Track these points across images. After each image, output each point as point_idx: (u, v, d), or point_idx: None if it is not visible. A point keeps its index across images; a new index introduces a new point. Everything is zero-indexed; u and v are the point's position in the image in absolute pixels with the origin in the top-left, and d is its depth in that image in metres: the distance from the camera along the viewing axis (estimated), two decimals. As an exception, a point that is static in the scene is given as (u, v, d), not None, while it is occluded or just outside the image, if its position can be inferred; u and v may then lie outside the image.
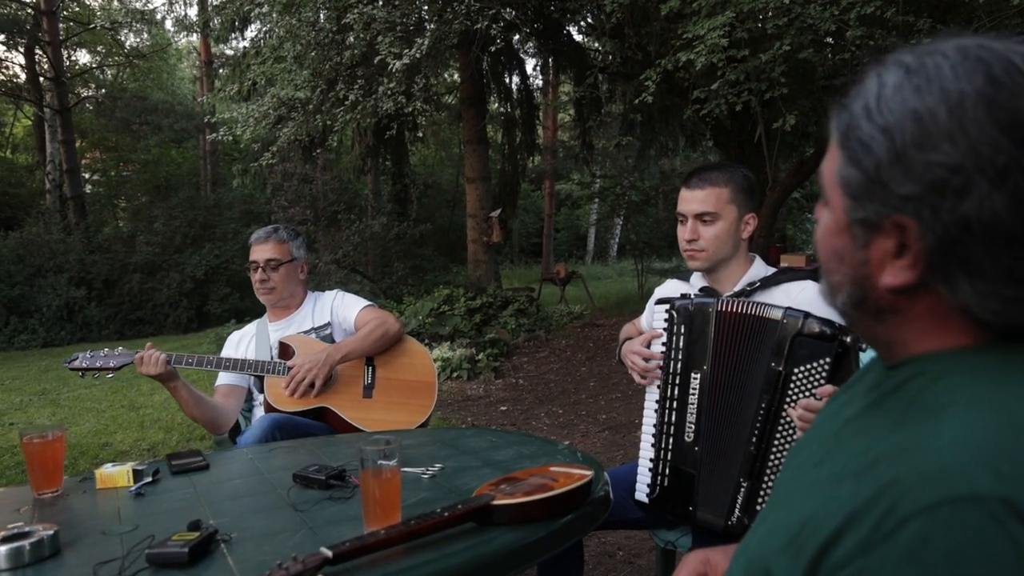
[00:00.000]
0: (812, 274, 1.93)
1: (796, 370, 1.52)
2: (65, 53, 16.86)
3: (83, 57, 20.56)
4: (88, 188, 17.65)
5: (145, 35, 20.15)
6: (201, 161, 18.47)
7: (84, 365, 2.29)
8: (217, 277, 13.87)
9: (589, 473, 1.37)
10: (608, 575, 2.68)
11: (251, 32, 11.05)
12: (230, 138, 7.73)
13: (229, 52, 16.21)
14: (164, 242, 14.02)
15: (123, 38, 19.90)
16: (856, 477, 0.62)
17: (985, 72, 0.61)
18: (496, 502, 1.24)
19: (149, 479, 1.63)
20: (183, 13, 15.63)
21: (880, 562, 0.56)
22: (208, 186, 17.08)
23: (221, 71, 13.37)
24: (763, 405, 1.55)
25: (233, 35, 11.37)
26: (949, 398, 0.63)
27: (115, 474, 1.62)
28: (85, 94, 19.03)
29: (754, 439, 1.56)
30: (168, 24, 17.90)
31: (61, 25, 16.25)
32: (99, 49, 20.00)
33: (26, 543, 1.20)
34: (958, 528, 0.54)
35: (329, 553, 1.05)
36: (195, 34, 16.16)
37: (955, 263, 0.63)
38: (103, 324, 13.09)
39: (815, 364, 1.51)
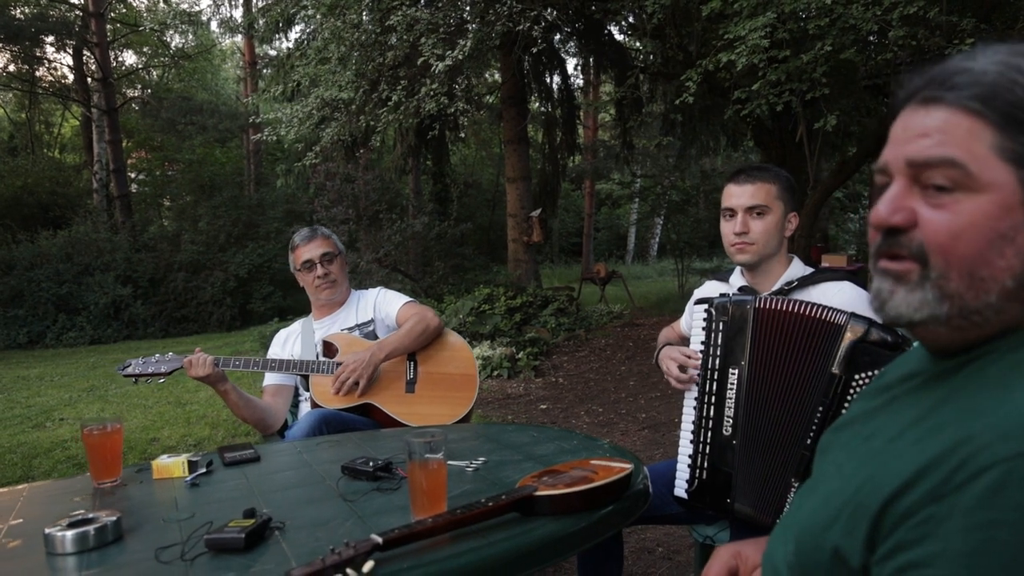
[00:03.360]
0: (850, 275, 1.92)
1: (856, 376, 1.52)
2: (112, 54, 17.29)
3: (129, 58, 21.11)
4: (134, 187, 18.10)
5: (190, 36, 20.61)
6: (245, 161, 18.83)
7: (137, 371, 2.37)
8: (260, 276, 14.12)
9: (629, 466, 1.39)
10: (647, 570, 2.69)
11: (295, 33, 11.25)
12: (274, 138, 7.89)
13: (272, 53, 16.51)
14: (208, 241, 14.30)
15: (168, 39, 20.38)
16: (917, 440, 0.65)
17: None
18: (538, 493, 1.27)
19: (203, 470, 1.70)
20: (228, 14, 15.94)
21: (950, 509, 0.59)
22: (251, 186, 17.42)
23: (265, 72, 13.63)
24: (820, 409, 1.55)
25: (277, 36, 11.60)
26: (1018, 369, 0.65)
27: (171, 465, 1.70)
28: (131, 95, 19.51)
29: (809, 441, 1.56)
30: (213, 25, 18.29)
31: (108, 27, 16.66)
32: (145, 50, 20.50)
33: (91, 528, 1.26)
34: None
35: (379, 539, 1.10)
36: (239, 35, 16.47)
37: None
38: (148, 322, 13.38)
39: (875, 372, 1.51)
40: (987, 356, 0.70)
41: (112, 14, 17.49)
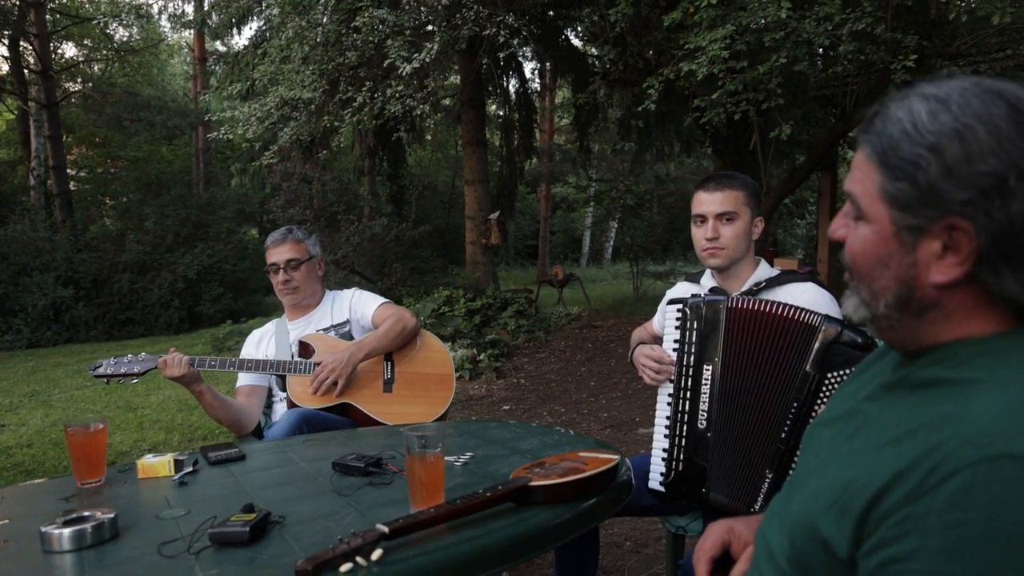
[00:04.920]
0: (810, 276, 2.04)
1: (829, 375, 1.62)
2: (51, 46, 16.63)
3: (69, 50, 20.35)
4: (73, 185, 17.44)
5: (135, 29, 20.01)
6: (194, 159, 18.39)
7: (109, 372, 2.33)
8: (210, 277, 13.79)
9: (616, 457, 1.46)
10: (617, 564, 2.77)
11: (249, 30, 11.10)
12: (231, 137, 7.76)
13: (223, 49, 16.15)
14: (155, 241, 13.88)
15: (112, 32, 19.73)
16: (896, 444, 0.73)
17: (1004, 101, 0.74)
18: (533, 483, 1.32)
19: (190, 468, 1.70)
20: (180, 9, 15.51)
21: (925, 510, 0.67)
22: (201, 184, 17.01)
23: (216, 68, 13.36)
24: (795, 405, 1.64)
25: (230, 32, 11.40)
26: (976, 376, 0.74)
27: (156, 464, 1.69)
28: (73, 88, 18.82)
29: (784, 435, 1.65)
30: (164, 19, 17.80)
31: (48, 17, 16.04)
32: (86, 43, 19.81)
33: (88, 526, 1.26)
34: (997, 480, 0.65)
35: (386, 529, 1.13)
36: (189, 30, 16.07)
37: (1002, 257, 0.74)
38: (91, 324, 12.95)
39: (847, 371, 1.60)
40: (948, 362, 0.79)
41: (52, 4, 16.87)
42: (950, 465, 0.67)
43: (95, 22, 16.83)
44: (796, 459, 1.66)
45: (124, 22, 18.77)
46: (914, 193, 0.77)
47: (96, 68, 20.43)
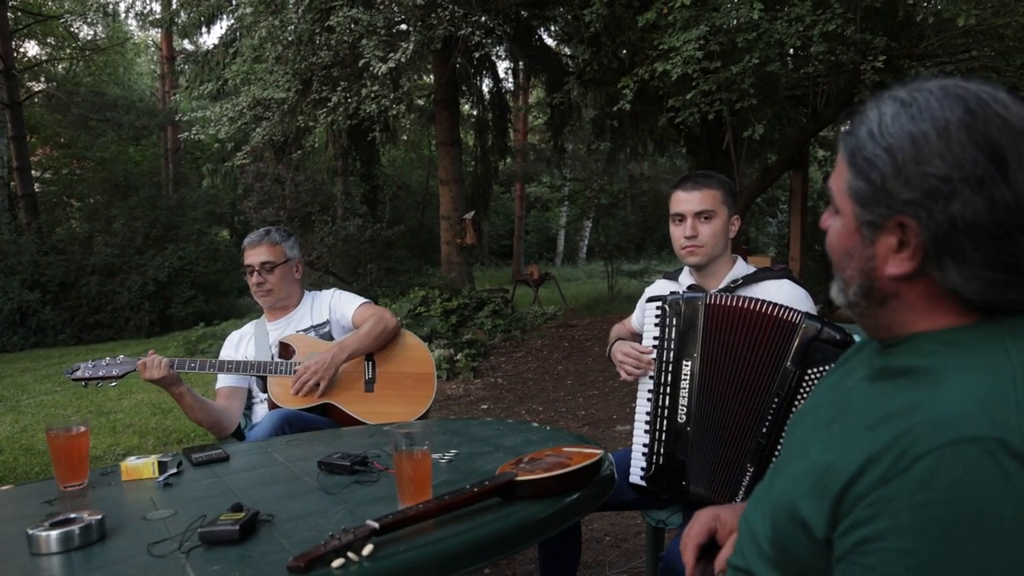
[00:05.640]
0: (786, 273, 2.09)
1: (809, 371, 1.66)
2: (12, 44, 16.23)
3: (32, 49, 19.89)
4: (37, 187, 17.06)
5: (100, 28, 19.63)
6: (163, 160, 18.11)
7: (87, 375, 2.30)
8: (181, 279, 13.59)
9: (600, 451, 1.49)
10: (597, 558, 2.81)
11: (219, 29, 11.00)
12: (202, 137, 7.67)
13: (191, 48, 15.91)
14: (124, 243, 13.64)
15: (76, 30, 19.33)
16: (871, 429, 0.77)
17: (963, 104, 0.78)
18: (520, 478, 1.35)
19: (175, 470, 1.69)
20: (148, 7, 15.25)
21: (895, 491, 0.71)
22: (171, 185, 16.75)
23: (185, 68, 13.17)
24: (775, 400, 1.68)
25: (200, 31, 11.27)
26: (944, 365, 0.79)
27: (140, 466, 1.68)
28: (37, 88, 18.40)
29: (764, 430, 1.69)
30: (131, 18, 17.46)
31: (9, 15, 15.66)
32: (50, 41, 19.39)
33: (75, 528, 1.26)
34: (961, 461, 0.69)
35: (376, 524, 1.15)
36: (157, 29, 15.79)
37: (946, 253, 0.79)
38: (59, 328, 12.69)
39: (827, 367, 1.64)
40: (919, 351, 0.83)
41: (14, 2, 16.48)
42: (918, 448, 0.71)
43: (61, 20, 16.46)
44: (778, 452, 1.70)
45: (90, 20, 18.41)
46: (870, 191, 0.82)
47: (60, 67, 20.00)
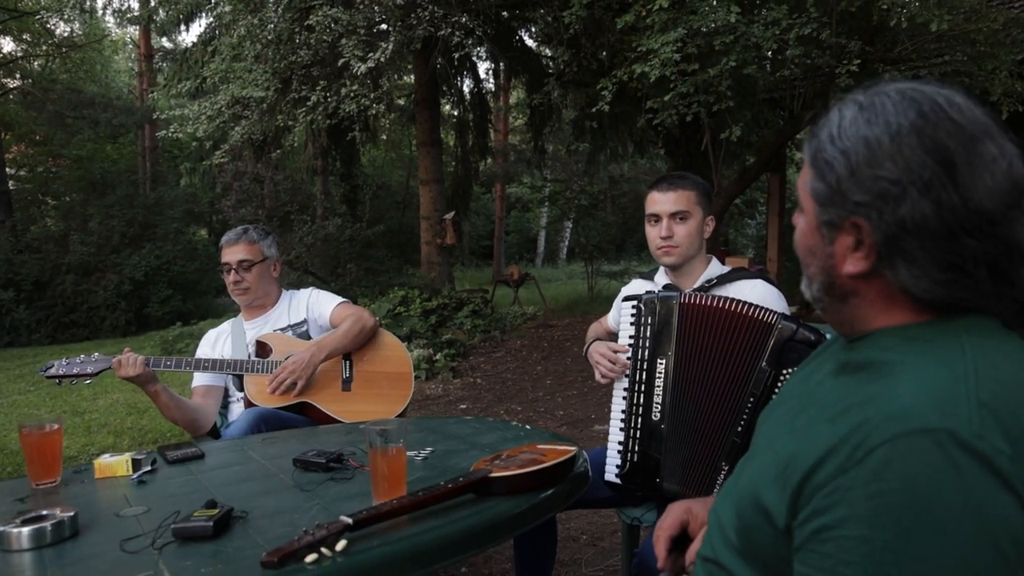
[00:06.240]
0: (761, 273, 2.12)
1: (785, 371, 1.69)
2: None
3: (7, 45, 19.59)
4: (12, 184, 16.78)
5: (77, 24, 19.35)
6: (140, 158, 17.91)
7: (61, 372, 2.29)
8: (158, 278, 13.45)
9: (574, 448, 1.51)
10: (574, 557, 2.83)
11: (197, 27, 10.89)
12: (180, 136, 7.61)
13: (168, 45, 15.75)
14: (100, 242, 13.48)
15: (53, 26, 19.05)
16: (831, 421, 0.80)
17: (917, 108, 0.81)
18: (493, 474, 1.36)
19: (149, 468, 1.69)
20: (125, 4, 15.05)
21: (852, 481, 0.74)
22: (148, 184, 16.57)
23: (164, 65, 13.04)
24: (751, 400, 1.70)
25: (178, 29, 11.17)
26: (900, 359, 0.82)
27: (114, 463, 1.68)
28: (12, 84, 18.12)
29: (740, 429, 1.71)
30: (108, 15, 17.24)
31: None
32: (25, 37, 19.10)
33: (47, 524, 1.26)
34: (912, 452, 0.72)
35: (350, 520, 1.16)
36: (134, 26, 15.60)
37: (896, 253, 0.82)
38: (33, 328, 12.53)
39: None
40: (879, 347, 0.86)
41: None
42: (873, 440, 0.74)
43: (38, 16, 16.22)
44: None
45: (67, 17, 18.16)
46: (827, 192, 0.86)
47: (36, 64, 19.69)
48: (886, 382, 0.80)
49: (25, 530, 1.24)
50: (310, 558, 1.10)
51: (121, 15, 14.85)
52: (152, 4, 11.10)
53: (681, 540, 1.25)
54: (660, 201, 2.03)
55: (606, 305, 2.45)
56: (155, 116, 12.45)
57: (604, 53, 6.21)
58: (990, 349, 0.79)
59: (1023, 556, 0.70)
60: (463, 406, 5.75)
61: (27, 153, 18.95)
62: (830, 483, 0.76)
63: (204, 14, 10.38)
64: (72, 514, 1.30)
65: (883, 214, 0.81)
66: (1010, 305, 0.83)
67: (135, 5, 14.63)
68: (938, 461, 0.71)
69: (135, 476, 1.64)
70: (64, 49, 18.79)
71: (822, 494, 0.76)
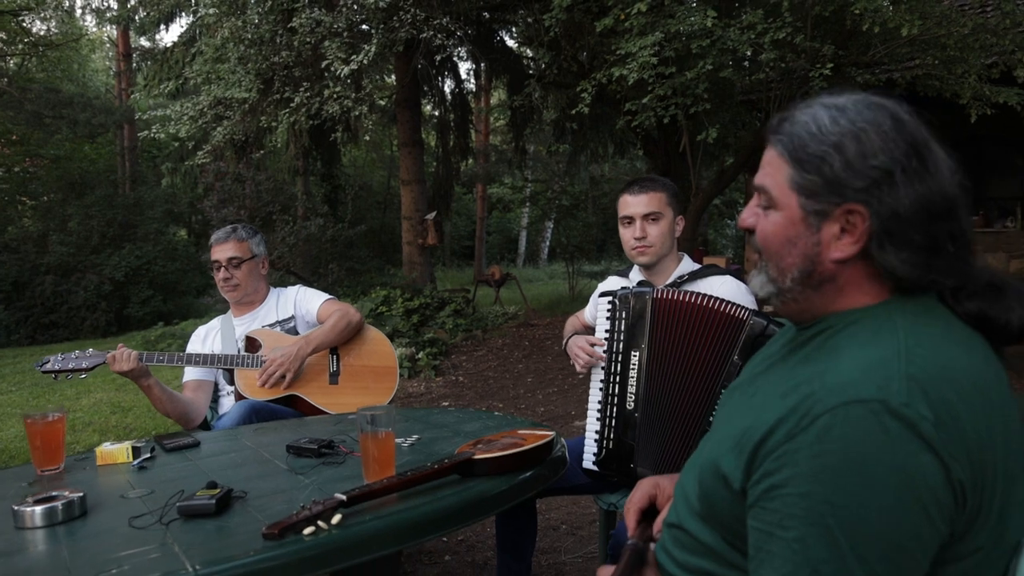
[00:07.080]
0: (729, 270, 2.25)
1: None
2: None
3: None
4: (-12, 185, 16.58)
5: (54, 23, 19.16)
6: (119, 158, 17.77)
7: (56, 367, 2.36)
8: (138, 279, 13.38)
9: (552, 433, 1.61)
10: (554, 545, 2.93)
11: (178, 27, 10.87)
12: (161, 136, 7.63)
13: (147, 45, 15.66)
14: (80, 242, 13.38)
15: (29, 25, 18.84)
16: (783, 396, 0.92)
17: (886, 111, 0.95)
18: (477, 456, 1.46)
19: (149, 454, 1.77)
20: (105, 3, 14.97)
21: (798, 445, 0.86)
22: (127, 184, 16.46)
23: (143, 65, 12.99)
24: (722, 391, 1.80)
25: (158, 28, 11.15)
26: (844, 341, 0.94)
27: (115, 451, 1.76)
28: (-12, 84, 17.88)
29: (711, 418, 1.81)
30: (87, 15, 17.10)
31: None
32: (1, 36, 18.88)
33: (59, 504, 1.35)
34: (850, 419, 0.84)
35: (343, 496, 1.26)
36: (111, 25, 15.49)
37: (887, 235, 0.93)
38: (12, 328, 12.43)
39: None
40: (827, 331, 0.98)
41: (-37, -5, 16.02)
42: (817, 410, 0.85)
43: (19, 17, 16.05)
44: None
45: (44, 16, 17.98)
46: (821, 183, 0.95)
47: (12, 63, 19.45)
48: (830, 360, 0.91)
49: (39, 508, 1.32)
50: (308, 530, 1.19)
51: (100, 14, 14.75)
52: (132, 4, 11.08)
53: (650, 512, 1.36)
54: (633, 204, 2.14)
55: (587, 305, 2.57)
56: (136, 116, 12.39)
57: (584, 55, 6.33)
58: (921, 329, 0.91)
59: (941, 507, 0.82)
60: (445, 403, 5.85)
61: (4, 153, 18.71)
62: (779, 448, 0.87)
63: (184, 14, 10.37)
64: (81, 495, 1.39)
65: (881, 199, 0.92)
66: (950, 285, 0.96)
67: (114, 4, 14.56)
68: (871, 426, 0.82)
69: (136, 463, 1.72)
70: (41, 48, 18.59)
71: (772, 457, 0.88)
